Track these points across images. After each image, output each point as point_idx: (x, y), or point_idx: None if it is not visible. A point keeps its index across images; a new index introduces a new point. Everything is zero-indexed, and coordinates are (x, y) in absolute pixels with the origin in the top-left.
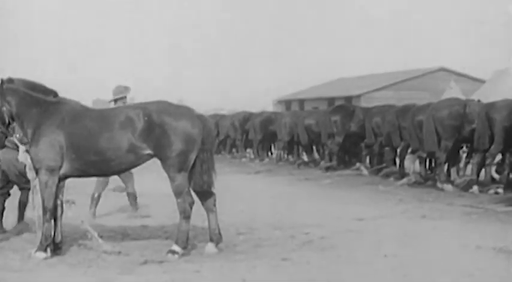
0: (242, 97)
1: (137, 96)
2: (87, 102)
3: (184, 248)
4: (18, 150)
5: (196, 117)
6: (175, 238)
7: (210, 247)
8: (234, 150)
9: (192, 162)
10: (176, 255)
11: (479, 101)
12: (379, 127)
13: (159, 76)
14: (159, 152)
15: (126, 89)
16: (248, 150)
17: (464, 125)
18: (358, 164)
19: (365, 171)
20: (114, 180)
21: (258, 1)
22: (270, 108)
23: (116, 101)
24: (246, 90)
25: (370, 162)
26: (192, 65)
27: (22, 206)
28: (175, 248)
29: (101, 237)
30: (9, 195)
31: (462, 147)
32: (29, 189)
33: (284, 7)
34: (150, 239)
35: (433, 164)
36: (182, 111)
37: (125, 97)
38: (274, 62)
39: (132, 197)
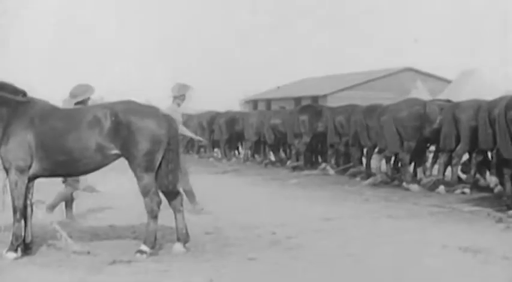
0: (210, 97)
1: (107, 96)
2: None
3: (152, 247)
4: None
5: (162, 117)
6: (144, 238)
7: (178, 247)
8: (202, 150)
9: (158, 162)
10: (144, 255)
11: (449, 100)
12: (343, 127)
13: (126, 76)
14: (126, 152)
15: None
16: (216, 150)
17: (425, 125)
18: (324, 164)
19: (331, 171)
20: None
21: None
22: (237, 108)
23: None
24: (214, 90)
25: (337, 162)
26: (159, 65)
27: (59, 197)
28: (144, 247)
29: (71, 237)
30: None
31: (429, 147)
32: (74, 187)
33: (248, 6)
34: (119, 238)
35: (399, 164)
36: (148, 111)
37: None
38: (241, 61)
39: (190, 194)
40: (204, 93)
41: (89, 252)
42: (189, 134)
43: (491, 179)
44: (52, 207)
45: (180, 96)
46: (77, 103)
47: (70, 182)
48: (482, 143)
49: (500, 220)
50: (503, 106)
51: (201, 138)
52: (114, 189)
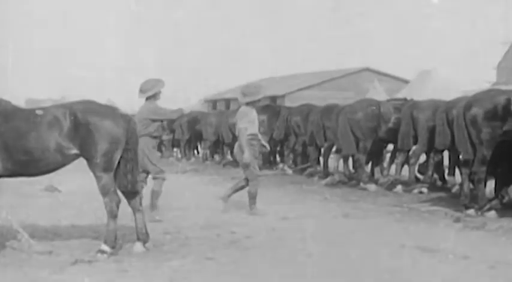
0: (171, 97)
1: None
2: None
3: (112, 247)
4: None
5: (120, 117)
6: (104, 238)
7: (138, 246)
8: (163, 149)
9: (116, 161)
10: (105, 255)
11: (406, 99)
12: (299, 126)
13: (87, 76)
14: (85, 152)
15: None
16: (175, 149)
17: (381, 125)
18: (281, 164)
19: (289, 171)
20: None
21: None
22: (197, 107)
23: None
24: (175, 90)
25: (294, 161)
26: (120, 64)
27: (154, 195)
28: (104, 247)
29: (33, 237)
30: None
31: (386, 146)
32: (163, 178)
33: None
34: (80, 238)
35: (356, 164)
36: (106, 111)
37: (159, 92)
38: (200, 61)
39: (252, 196)
40: (164, 93)
41: (51, 252)
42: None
43: (449, 179)
44: (154, 207)
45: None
46: (148, 98)
47: (157, 176)
48: (439, 143)
49: (458, 220)
50: (461, 107)
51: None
52: (76, 189)
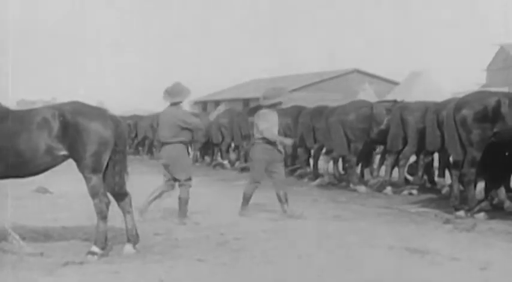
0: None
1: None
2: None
3: (102, 248)
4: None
5: (109, 118)
6: (94, 239)
7: (128, 248)
8: (154, 150)
9: (105, 163)
10: (95, 256)
11: (396, 101)
12: (289, 128)
13: (78, 77)
14: (74, 153)
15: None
16: None
17: (373, 126)
18: None
19: None
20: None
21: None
22: (187, 109)
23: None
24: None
25: (285, 163)
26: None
27: (183, 201)
28: (95, 249)
29: (23, 239)
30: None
31: (376, 148)
32: (189, 185)
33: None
34: (71, 240)
35: (346, 165)
36: (95, 112)
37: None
38: (191, 63)
39: (282, 197)
40: (154, 95)
41: (41, 254)
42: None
43: (439, 181)
44: (183, 213)
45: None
46: (173, 104)
47: (184, 183)
48: (429, 144)
49: (447, 221)
50: (451, 108)
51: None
52: (67, 190)
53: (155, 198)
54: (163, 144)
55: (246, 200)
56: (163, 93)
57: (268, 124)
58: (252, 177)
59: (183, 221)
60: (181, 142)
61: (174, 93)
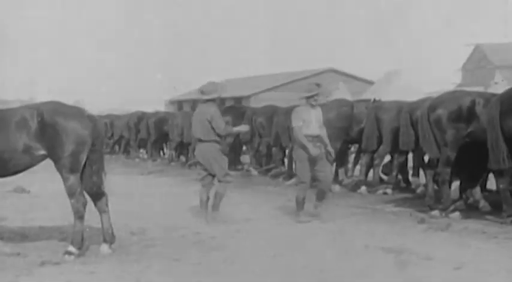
0: (137, 98)
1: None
2: None
3: (79, 248)
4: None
5: (86, 118)
6: (71, 239)
7: (104, 248)
8: (129, 150)
9: (83, 162)
10: (72, 256)
11: (379, 100)
12: (263, 127)
13: (55, 77)
14: (52, 153)
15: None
16: (141, 150)
17: (353, 125)
18: (246, 166)
19: (254, 172)
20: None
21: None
22: (162, 108)
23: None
24: (141, 91)
25: (259, 162)
26: (88, 66)
27: (218, 196)
28: (71, 248)
29: (0, 238)
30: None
31: (350, 148)
32: (227, 182)
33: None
34: (48, 239)
35: None
36: (73, 112)
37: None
38: (167, 62)
39: (321, 193)
40: (130, 93)
41: (18, 254)
42: None
43: (413, 180)
44: (216, 208)
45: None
46: (207, 100)
47: (223, 179)
48: (403, 144)
49: (422, 221)
50: (426, 108)
51: None
52: (44, 190)
53: (218, 201)
54: (198, 141)
55: (300, 204)
56: (198, 91)
57: (300, 122)
58: (298, 179)
59: (212, 216)
60: (215, 140)
61: (207, 91)
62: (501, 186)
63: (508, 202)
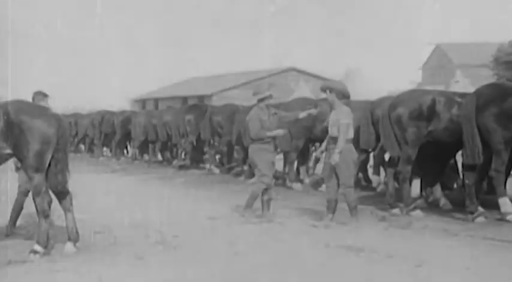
0: (101, 96)
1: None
2: None
3: (45, 247)
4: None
5: (52, 117)
6: (36, 238)
7: (69, 246)
8: (94, 148)
9: (48, 161)
10: (38, 255)
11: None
12: (222, 127)
13: (22, 76)
14: (18, 152)
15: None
16: (105, 149)
17: (316, 124)
18: (208, 165)
19: (216, 170)
20: None
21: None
22: (126, 107)
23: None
24: (105, 90)
25: (220, 161)
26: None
27: (252, 195)
28: (37, 247)
29: None
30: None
31: (313, 146)
32: (262, 182)
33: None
34: (13, 238)
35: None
36: (38, 111)
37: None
38: (129, 61)
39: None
40: (97, 92)
41: None
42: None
43: (374, 179)
44: (250, 206)
45: (267, 97)
46: (260, 100)
47: (259, 180)
48: (363, 143)
49: (383, 219)
50: (386, 106)
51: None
52: (7, 188)
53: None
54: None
55: (331, 207)
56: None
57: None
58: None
59: (243, 213)
60: (257, 140)
61: (257, 92)
62: (468, 181)
63: (472, 199)
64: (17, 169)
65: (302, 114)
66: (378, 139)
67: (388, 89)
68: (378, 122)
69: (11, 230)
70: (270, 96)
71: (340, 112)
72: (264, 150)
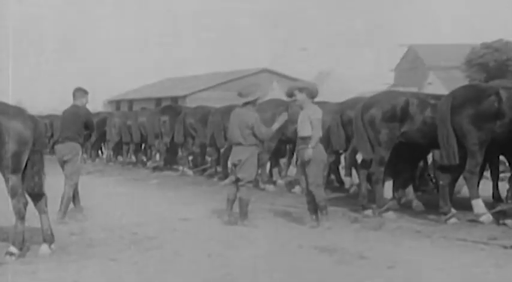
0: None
1: None
2: None
3: (20, 249)
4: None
5: (28, 118)
6: (12, 239)
7: (44, 248)
8: None
9: (24, 163)
10: (13, 257)
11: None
12: (194, 128)
13: None
14: None
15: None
16: None
17: (288, 125)
18: (181, 167)
19: (190, 172)
20: None
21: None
22: (100, 108)
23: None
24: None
25: (194, 163)
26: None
27: (243, 203)
28: (12, 249)
29: None
30: None
31: (285, 148)
32: (249, 188)
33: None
34: None
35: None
36: (15, 112)
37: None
38: (103, 61)
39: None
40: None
41: None
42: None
43: (346, 180)
44: (245, 215)
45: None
46: (246, 103)
47: (244, 184)
48: (334, 144)
49: (355, 220)
50: (359, 108)
51: None
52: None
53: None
54: (236, 145)
55: (312, 209)
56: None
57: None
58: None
59: (243, 223)
60: (255, 144)
61: (245, 94)
62: (442, 182)
63: (446, 200)
64: None
65: (275, 126)
66: (348, 140)
67: (362, 91)
68: (348, 124)
69: None
70: (257, 100)
71: (309, 109)
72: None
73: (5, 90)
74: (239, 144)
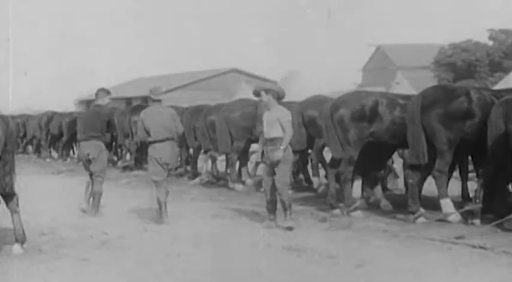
0: (48, 98)
1: None
2: None
3: None
4: None
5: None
6: None
7: (16, 248)
8: (41, 149)
9: None
10: None
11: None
12: None
13: None
14: None
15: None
16: (52, 150)
17: (256, 125)
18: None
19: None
20: None
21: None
22: (72, 108)
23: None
24: (52, 91)
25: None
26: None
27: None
28: None
29: None
30: None
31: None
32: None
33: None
34: None
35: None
36: None
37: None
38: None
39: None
40: (42, 94)
41: None
42: None
43: (314, 180)
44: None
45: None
46: (158, 100)
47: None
48: (295, 143)
49: (324, 219)
50: (328, 107)
51: None
52: None
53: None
54: (157, 142)
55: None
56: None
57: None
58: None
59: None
60: (174, 139)
61: (158, 93)
62: (411, 181)
63: (415, 199)
64: None
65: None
66: (311, 139)
67: (328, 91)
68: (309, 123)
69: None
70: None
71: (277, 111)
72: None
73: None
74: (160, 140)
